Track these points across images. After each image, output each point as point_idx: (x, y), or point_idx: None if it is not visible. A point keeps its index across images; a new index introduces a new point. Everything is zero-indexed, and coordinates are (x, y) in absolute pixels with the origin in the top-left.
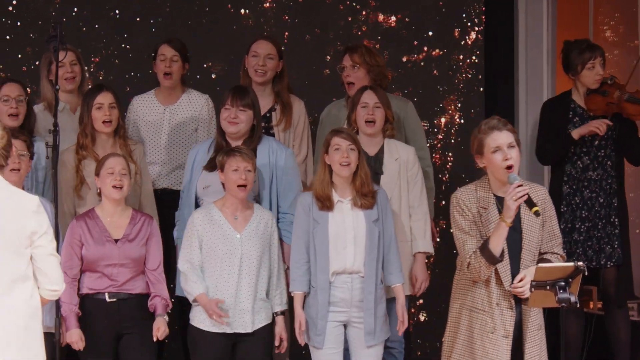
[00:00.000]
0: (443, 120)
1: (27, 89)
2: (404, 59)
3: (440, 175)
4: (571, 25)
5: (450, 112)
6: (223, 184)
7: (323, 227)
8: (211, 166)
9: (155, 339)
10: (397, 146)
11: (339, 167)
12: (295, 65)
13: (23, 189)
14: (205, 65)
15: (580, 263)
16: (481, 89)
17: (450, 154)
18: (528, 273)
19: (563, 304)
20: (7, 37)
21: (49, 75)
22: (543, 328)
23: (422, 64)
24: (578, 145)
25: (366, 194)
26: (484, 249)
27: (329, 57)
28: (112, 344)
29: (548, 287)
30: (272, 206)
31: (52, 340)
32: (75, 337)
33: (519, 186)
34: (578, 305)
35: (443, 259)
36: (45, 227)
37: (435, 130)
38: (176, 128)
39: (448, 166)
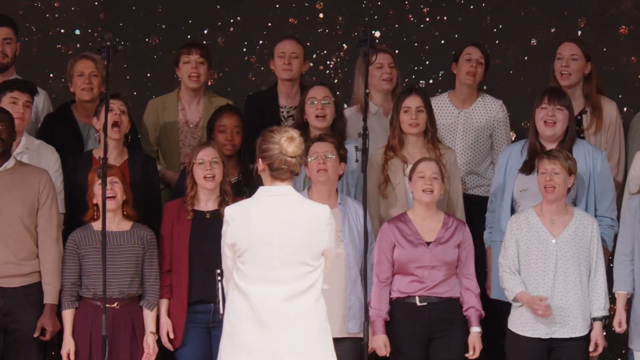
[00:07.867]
0: None
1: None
2: None
3: None
4: None
5: None
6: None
7: None
8: (527, 169)
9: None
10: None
11: None
12: None
13: (337, 192)
14: None
15: None
16: None
17: None
18: None
19: None
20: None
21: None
22: None
23: None
24: None
25: None
26: None
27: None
28: (422, 347)
29: None
30: (588, 209)
31: (360, 344)
32: (380, 343)
33: None
34: None
35: None
36: (333, 243)
37: None
38: (471, 132)
39: None
